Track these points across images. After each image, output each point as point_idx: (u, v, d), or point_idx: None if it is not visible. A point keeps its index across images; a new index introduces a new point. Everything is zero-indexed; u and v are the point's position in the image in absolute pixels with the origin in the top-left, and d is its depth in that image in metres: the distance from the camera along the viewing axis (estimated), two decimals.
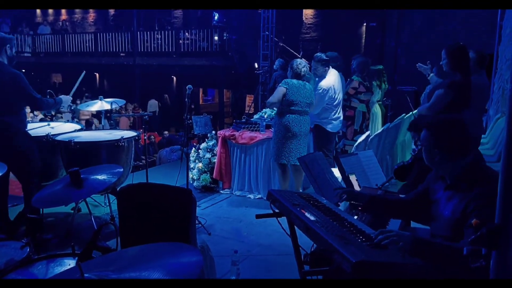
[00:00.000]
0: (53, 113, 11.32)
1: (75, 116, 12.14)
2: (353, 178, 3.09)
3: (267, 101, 4.69)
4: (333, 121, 4.91)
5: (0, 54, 3.52)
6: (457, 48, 3.56)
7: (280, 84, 4.49)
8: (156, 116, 15.26)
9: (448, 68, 3.59)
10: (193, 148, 5.68)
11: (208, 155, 5.45)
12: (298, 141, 4.46)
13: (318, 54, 4.93)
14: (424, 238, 1.80)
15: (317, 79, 4.98)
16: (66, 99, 4.05)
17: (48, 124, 4.52)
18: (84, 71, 4.55)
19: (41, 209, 3.69)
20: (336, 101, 4.88)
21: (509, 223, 1.28)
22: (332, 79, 4.85)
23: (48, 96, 3.89)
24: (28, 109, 7.65)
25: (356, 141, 5.03)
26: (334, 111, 4.89)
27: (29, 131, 3.79)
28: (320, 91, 4.77)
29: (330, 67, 4.92)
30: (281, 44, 9.47)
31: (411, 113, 5.26)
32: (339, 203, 2.20)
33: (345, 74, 5.85)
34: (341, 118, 5.10)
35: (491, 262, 1.35)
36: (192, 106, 14.70)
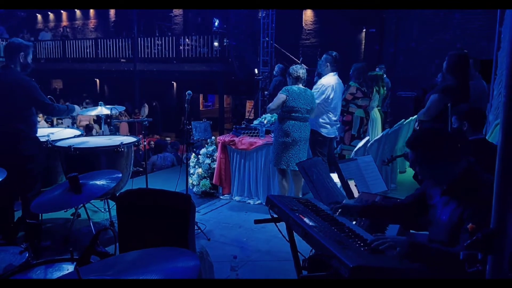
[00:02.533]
0: (53, 119, 11.33)
1: (75, 122, 12.17)
2: (352, 184, 3.10)
3: (267, 107, 4.72)
4: (328, 126, 4.91)
5: (13, 61, 3.53)
6: (457, 54, 3.61)
7: (280, 92, 4.51)
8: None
9: (444, 70, 3.65)
10: (193, 154, 5.69)
11: (207, 161, 5.46)
12: (298, 146, 4.47)
13: (332, 52, 5.00)
14: (421, 243, 1.80)
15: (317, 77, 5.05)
16: (77, 109, 4.14)
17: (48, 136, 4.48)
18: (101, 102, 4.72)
19: (40, 215, 3.69)
20: (333, 104, 4.89)
21: (504, 228, 1.28)
22: (333, 80, 4.88)
23: None
24: None
25: (354, 146, 5.04)
26: (331, 115, 4.90)
27: None
28: (320, 86, 4.80)
29: (335, 73, 4.96)
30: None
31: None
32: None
33: (344, 80, 5.88)
34: (338, 124, 5.12)
35: (487, 267, 1.35)
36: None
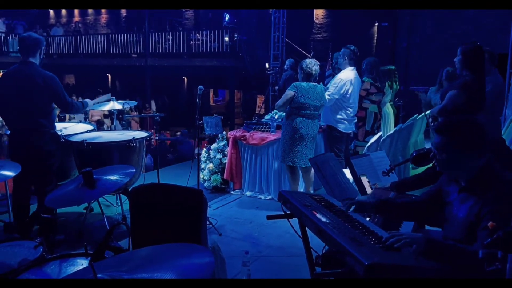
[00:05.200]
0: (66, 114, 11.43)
1: (87, 117, 12.25)
2: (364, 179, 3.06)
3: (276, 104, 4.68)
4: (345, 121, 4.87)
5: (34, 56, 3.55)
6: (472, 48, 3.52)
7: (288, 88, 4.46)
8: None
9: (460, 66, 3.56)
10: (204, 149, 5.71)
11: (219, 156, 5.46)
12: (305, 143, 4.43)
13: (351, 46, 4.94)
14: (437, 240, 1.77)
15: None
16: (90, 103, 4.17)
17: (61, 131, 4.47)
18: (113, 97, 4.66)
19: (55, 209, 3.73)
20: (351, 100, 4.84)
21: None
22: (351, 75, 4.83)
23: None
24: None
25: (367, 142, 4.99)
26: (348, 111, 4.85)
27: None
28: (338, 81, 4.76)
29: (354, 67, 4.91)
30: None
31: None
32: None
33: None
34: (355, 120, 5.07)
35: (507, 265, 1.33)
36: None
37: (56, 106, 3.74)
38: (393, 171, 3.06)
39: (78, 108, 3.87)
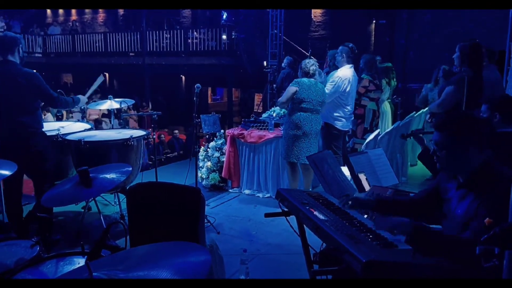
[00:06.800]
0: (63, 112, 11.38)
1: (85, 116, 12.20)
2: (362, 177, 3.06)
3: (277, 101, 4.69)
4: (343, 119, 4.87)
5: (13, 55, 3.51)
6: (471, 45, 3.53)
7: (290, 84, 4.48)
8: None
9: (458, 63, 3.58)
10: (202, 147, 5.70)
11: (217, 154, 5.45)
12: (308, 140, 4.43)
13: (349, 43, 4.91)
14: (425, 226, 1.77)
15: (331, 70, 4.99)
16: (83, 99, 4.10)
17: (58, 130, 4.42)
18: (103, 77, 4.53)
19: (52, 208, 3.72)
20: (349, 97, 4.84)
21: None
22: (349, 73, 4.82)
23: None
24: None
25: (366, 139, 4.99)
26: (345, 109, 4.85)
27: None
28: (336, 79, 4.75)
29: (352, 65, 4.90)
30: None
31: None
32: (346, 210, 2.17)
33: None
34: (352, 117, 5.07)
35: (504, 262, 1.32)
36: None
37: (44, 102, 3.68)
38: (411, 136, 3.11)
39: (67, 103, 3.78)
